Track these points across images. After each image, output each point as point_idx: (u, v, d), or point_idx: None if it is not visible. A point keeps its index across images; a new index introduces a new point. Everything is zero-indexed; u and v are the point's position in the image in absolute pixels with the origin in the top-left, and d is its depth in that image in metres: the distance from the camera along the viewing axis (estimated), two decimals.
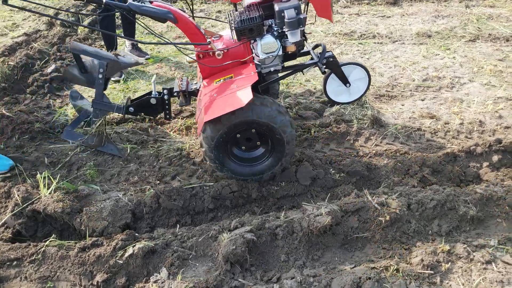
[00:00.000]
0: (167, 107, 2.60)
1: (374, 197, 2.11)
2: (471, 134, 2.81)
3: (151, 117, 2.94)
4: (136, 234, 2.08)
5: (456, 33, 4.26)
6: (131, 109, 2.56)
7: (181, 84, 2.52)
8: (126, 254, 1.93)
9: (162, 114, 2.71)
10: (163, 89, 2.55)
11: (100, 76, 2.36)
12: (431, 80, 3.45)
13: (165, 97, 2.55)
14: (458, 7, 4.90)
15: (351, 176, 2.44)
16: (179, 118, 3.05)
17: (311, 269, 1.87)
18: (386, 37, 4.21)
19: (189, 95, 2.55)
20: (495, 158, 2.52)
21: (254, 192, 2.31)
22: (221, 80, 2.17)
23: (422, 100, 3.20)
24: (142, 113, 2.68)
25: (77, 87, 3.32)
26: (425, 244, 1.97)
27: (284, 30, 2.15)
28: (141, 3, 2.09)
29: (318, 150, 2.69)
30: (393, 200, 2.08)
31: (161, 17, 2.08)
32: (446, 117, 2.97)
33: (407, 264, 1.84)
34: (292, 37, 2.14)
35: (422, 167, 2.45)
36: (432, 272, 1.79)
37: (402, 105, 3.16)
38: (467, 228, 2.09)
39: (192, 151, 2.68)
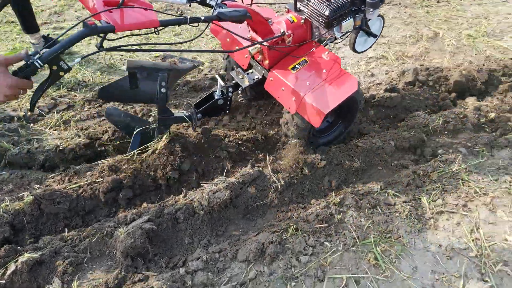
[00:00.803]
0: (228, 103, 2.47)
1: (269, 165, 2.17)
2: None
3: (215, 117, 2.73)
4: (18, 247, 1.84)
5: None
6: (200, 115, 2.35)
7: (242, 77, 2.43)
8: (8, 272, 1.70)
9: None
10: (227, 87, 2.42)
11: (163, 90, 2.05)
12: None
13: (230, 94, 2.42)
14: None
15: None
16: (53, 112, 2.74)
17: (216, 245, 1.87)
18: None
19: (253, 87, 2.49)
20: (371, 112, 2.78)
21: (148, 181, 2.19)
22: (297, 66, 2.18)
23: None
24: (207, 116, 2.46)
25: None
26: (319, 200, 2.10)
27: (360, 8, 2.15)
28: (219, 7, 1.92)
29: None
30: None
31: (241, 18, 1.88)
32: None
33: (305, 222, 1.95)
34: (372, 15, 2.19)
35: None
36: (326, 225, 1.93)
37: None
38: (354, 179, 2.29)
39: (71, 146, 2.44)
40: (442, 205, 2.06)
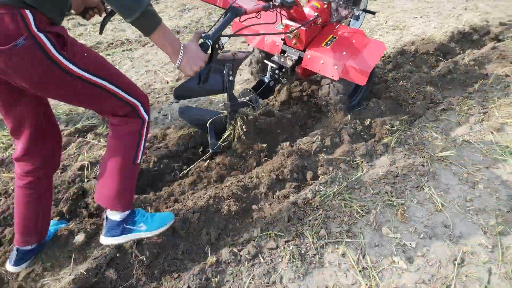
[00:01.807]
0: (277, 84, 2.80)
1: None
2: None
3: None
4: None
5: (203, 24, 4.35)
6: (259, 97, 2.55)
7: (284, 60, 2.62)
8: None
9: None
10: (273, 69, 2.69)
11: (231, 78, 2.20)
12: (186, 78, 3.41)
13: (277, 76, 2.71)
14: None
15: None
16: None
17: None
18: (136, 42, 3.98)
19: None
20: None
21: None
22: (329, 42, 2.56)
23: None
24: (262, 98, 2.73)
25: None
26: (196, 262, 1.84)
27: None
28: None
29: None
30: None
31: (294, 5, 2.20)
32: None
33: None
34: None
35: None
36: None
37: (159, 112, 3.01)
38: (236, 224, 2.06)
39: None
40: (325, 235, 1.91)
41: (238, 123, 2.37)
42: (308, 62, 2.54)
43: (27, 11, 1.12)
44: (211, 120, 2.37)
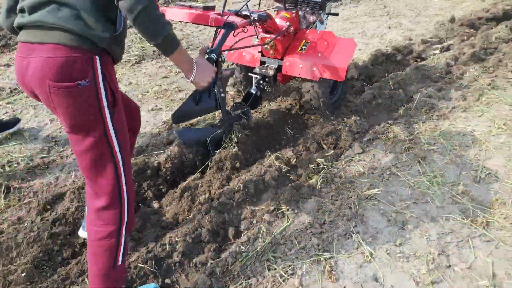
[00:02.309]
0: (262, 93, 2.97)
1: None
2: None
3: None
4: None
5: (122, 59, 4.05)
6: (249, 109, 2.67)
7: (266, 70, 2.77)
8: None
9: None
10: (257, 80, 2.83)
11: (222, 94, 2.25)
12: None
13: (262, 86, 2.84)
14: None
15: None
16: None
17: None
18: None
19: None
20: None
21: None
22: (303, 47, 2.72)
23: None
24: (252, 108, 2.85)
25: None
26: None
27: None
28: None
29: None
30: None
31: (267, 19, 2.46)
32: None
33: None
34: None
35: None
36: None
37: None
38: None
39: None
40: None
41: (234, 136, 2.51)
42: (288, 68, 2.70)
43: (97, 57, 1.24)
44: (210, 137, 2.49)
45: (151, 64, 3.96)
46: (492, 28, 4.61)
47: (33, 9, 1.22)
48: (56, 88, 1.21)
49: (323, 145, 2.73)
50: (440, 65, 3.61)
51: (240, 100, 2.86)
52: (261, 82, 2.85)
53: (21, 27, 1.27)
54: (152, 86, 3.53)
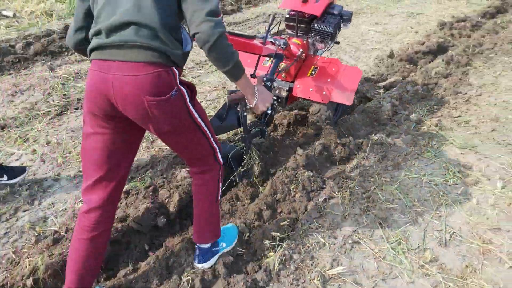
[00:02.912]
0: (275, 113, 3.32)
1: None
2: None
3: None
4: None
5: (39, 109, 3.51)
6: (265, 128, 2.84)
7: (278, 91, 3.00)
8: None
9: None
10: (275, 99, 2.99)
11: (245, 114, 2.45)
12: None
13: (275, 106, 3.00)
14: (41, 73, 4.19)
15: None
16: None
17: None
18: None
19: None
20: None
21: None
22: (313, 72, 2.97)
23: None
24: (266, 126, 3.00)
25: None
26: None
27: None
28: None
29: None
30: None
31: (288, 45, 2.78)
32: None
33: None
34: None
35: None
36: None
37: None
38: None
39: None
40: None
41: (254, 152, 2.65)
42: (299, 91, 2.92)
43: (174, 68, 1.43)
44: (231, 154, 2.59)
45: (75, 115, 3.46)
46: (430, 62, 4.70)
47: (111, 31, 1.36)
48: (154, 102, 1.36)
49: (277, 210, 2.43)
50: (387, 107, 3.52)
51: (256, 119, 3.03)
52: (275, 102, 3.01)
53: (96, 48, 1.40)
54: (75, 145, 3.04)
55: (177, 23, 1.45)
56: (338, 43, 3.17)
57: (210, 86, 4.14)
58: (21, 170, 2.65)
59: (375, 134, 3.16)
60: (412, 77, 4.24)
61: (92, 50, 1.43)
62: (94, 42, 1.41)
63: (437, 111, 3.62)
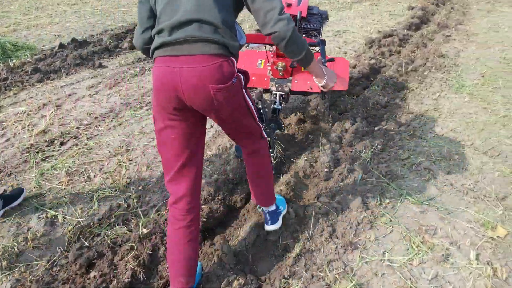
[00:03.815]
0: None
1: None
2: None
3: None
4: None
5: None
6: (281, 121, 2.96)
7: (281, 87, 3.05)
8: None
9: None
10: (279, 97, 3.04)
11: (266, 109, 2.88)
12: None
13: (281, 101, 3.10)
14: None
15: None
16: None
17: None
18: None
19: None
20: None
21: None
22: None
23: None
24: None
25: None
26: None
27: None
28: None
29: None
30: None
31: None
32: None
33: None
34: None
35: None
36: None
37: None
38: None
39: None
40: None
41: (276, 145, 2.97)
42: (297, 86, 3.02)
43: (233, 58, 1.58)
44: None
45: None
46: (365, 89, 4.27)
47: (174, 29, 1.50)
48: (219, 90, 1.51)
49: None
50: (325, 159, 2.95)
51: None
52: (281, 98, 3.07)
53: (160, 45, 1.52)
54: None
55: (233, 20, 1.60)
56: (324, 41, 2.99)
57: (110, 150, 3.32)
58: (18, 192, 2.63)
59: (318, 198, 2.57)
60: (349, 110, 3.75)
61: (156, 48, 1.55)
62: (157, 40, 1.53)
63: (382, 152, 3.12)
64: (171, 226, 1.72)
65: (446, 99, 3.99)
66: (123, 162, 3.11)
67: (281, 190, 2.60)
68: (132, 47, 6.05)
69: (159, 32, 1.53)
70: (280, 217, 2.29)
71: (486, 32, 6.21)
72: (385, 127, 3.47)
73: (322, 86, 2.01)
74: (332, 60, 2.73)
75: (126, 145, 3.37)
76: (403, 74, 4.64)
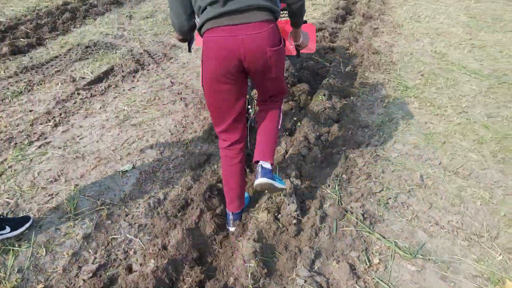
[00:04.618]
0: None
1: None
2: None
3: None
4: None
5: None
6: None
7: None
8: None
9: None
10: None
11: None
12: None
13: None
14: None
15: None
16: None
17: None
18: None
19: None
20: None
21: None
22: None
23: None
24: None
25: None
26: None
27: None
28: None
29: None
30: None
31: None
32: None
33: None
34: None
35: None
36: None
37: None
38: None
39: None
40: None
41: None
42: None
43: (276, 23, 1.78)
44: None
45: None
46: (310, 99, 3.74)
47: (228, 0, 1.64)
48: (273, 52, 1.73)
49: None
50: (290, 208, 2.36)
51: None
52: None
53: (215, 16, 1.66)
54: None
55: None
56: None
57: None
58: (25, 219, 2.26)
59: (294, 271, 1.97)
60: (300, 129, 3.20)
61: (210, 19, 1.67)
62: (212, 11, 1.65)
63: (349, 183, 2.63)
64: (226, 163, 2.09)
65: (395, 105, 3.65)
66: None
67: (248, 266, 1.94)
68: (14, 52, 4.73)
69: (212, 3, 1.65)
70: (275, 183, 1.97)
71: (410, 22, 6.13)
72: (344, 148, 2.99)
73: (297, 45, 2.20)
74: (305, 22, 2.45)
75: (10, 211, 2.39)
76: (343, 77, 4.22)
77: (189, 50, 2.28)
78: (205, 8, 1.67)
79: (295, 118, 3.35)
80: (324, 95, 3.63)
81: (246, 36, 1.64)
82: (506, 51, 5.04)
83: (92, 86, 4.01)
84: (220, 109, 1.90)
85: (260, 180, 1.90)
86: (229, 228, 2.24)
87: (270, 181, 1.90)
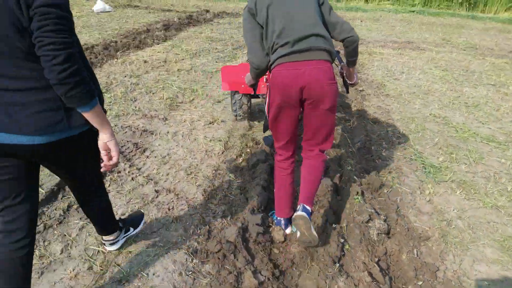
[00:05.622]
0: None
1: None
2: None
3: None
4: None
5: None
6: None
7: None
8: None
9: None
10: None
11: None
12: None
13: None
14: None
15: None
16: None
17: None
18: None
19: None
20: None
21: None
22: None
23: None
24: None
25: None
26: None
27: None
28: None
29: None
30: None
31: None
32: None
33: None
34: None
35: None
36: None
37: None
38: None
39: None
40: None
41: None
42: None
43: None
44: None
45: None
46: (336, 193, 3.01)
47: (297, 42, 2.01)
48: (329, 85, 2.04)
49: None
50: None
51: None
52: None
53: (286, 54, 2.03)
54: None
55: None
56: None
57: None
58: (140, 216, 2.50)
59: None
60: (356, 263, 2.41)
61: (281, 56, 2.03)
62: (283, 51, 2.03)
63: None
64: (279, 173, 2.44)
65: (440, 197, 3.06)
66: None
67: None
68: None
69: (284, 45, 2.03)
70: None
71: (389, 80, 5.84)
72: None
73: (351, 84, 2.54)
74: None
75: None
76: (357, 156, 3.59)
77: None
78: (276, 49, 2.06)
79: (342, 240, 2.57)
80: (358, 193, 2.93)
81: (308, 70, 2.00)
82: (502, 109, 4.83)
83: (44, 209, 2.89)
84: (280, 132, 2.29)
85: (299, 213, 2.20)
86: (286, 231, 2.57)
87: (307, 217, 2.19)
